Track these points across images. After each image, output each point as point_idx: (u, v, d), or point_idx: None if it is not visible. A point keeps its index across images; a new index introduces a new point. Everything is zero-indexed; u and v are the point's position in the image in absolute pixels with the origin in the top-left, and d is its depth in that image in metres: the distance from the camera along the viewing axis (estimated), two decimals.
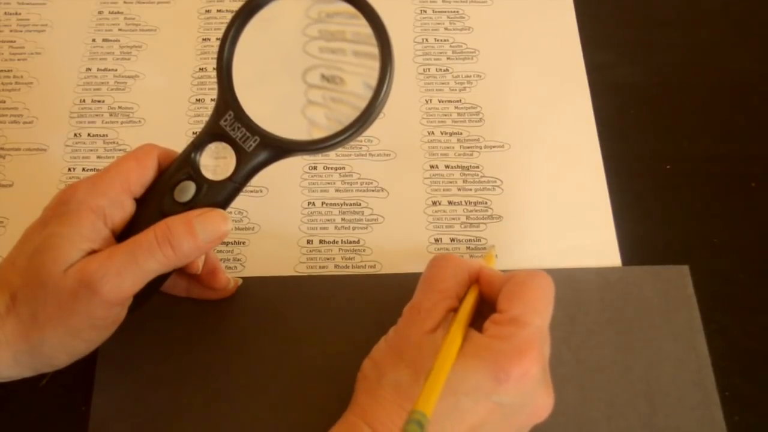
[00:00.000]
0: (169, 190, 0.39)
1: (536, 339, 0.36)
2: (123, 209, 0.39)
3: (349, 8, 0.40)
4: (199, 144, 0.39)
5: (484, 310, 0.39)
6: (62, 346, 0.37)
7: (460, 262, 0.41)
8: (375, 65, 0.39)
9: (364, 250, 0.49)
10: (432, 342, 0.37)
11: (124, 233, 0.39)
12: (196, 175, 0.39)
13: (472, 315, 0.39)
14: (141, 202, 0.39)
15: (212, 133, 0.39)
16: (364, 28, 0.39)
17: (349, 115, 0.39)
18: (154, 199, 0.39)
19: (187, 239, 0.37)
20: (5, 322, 0.37)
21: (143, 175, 0.39)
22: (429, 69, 0.57)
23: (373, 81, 0.39)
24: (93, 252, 0.37)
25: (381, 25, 0.39)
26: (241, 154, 0.39)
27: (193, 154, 0.39)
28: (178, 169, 0.39)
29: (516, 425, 0.37)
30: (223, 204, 0.40)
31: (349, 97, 0.41)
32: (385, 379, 0.37)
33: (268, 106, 0.41)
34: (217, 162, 0.39)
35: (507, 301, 0.38)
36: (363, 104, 0.39)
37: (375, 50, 0.39)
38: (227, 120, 0.39)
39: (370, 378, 0.38)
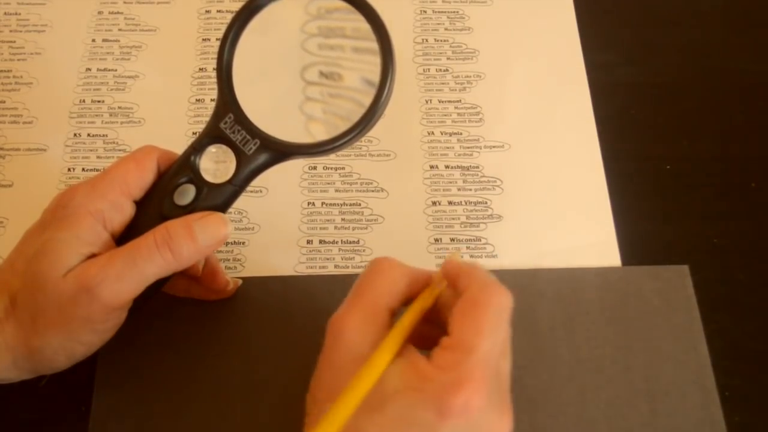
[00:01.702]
0: (169, 193, 0.39)
1: (479, 366, 0.33)
2: (122, 212, 0.38)
3: (348, 6, 0.40)
4: (198, 146, 0.39)
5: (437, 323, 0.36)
6: (62, 349, 0.37)
7: (398, 271, 0.36)
8: (374, 60, 0.39)
9: (364, 251, 0.49)
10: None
11: (123, 236, 0.39)
12: (195, 178, 0.39)
13: (408, 333, 0.35)
14: (140, 205, 0.39)
15: (212, 135, 0.39)
16: (364, 23, 0.39)
17: (348, 108, 0.39)
18: (154, 202, 0.39)
19: (186, 243, 0.37)
20: (5, 326, 0.37)
21: (142, 178, 0.39)
22: (429, 69, 0.57)
23: (372, 76, 0.39)
24: (92, 256, 0.37)
25: (381, 25, 0.39)
26: (241, 157, 0.39)
27: (192, 157, 0.39)
28: (178, 171, 0.39)
29: None
30: (223, 207, 0.39)
31: (347, 92, 0.41)
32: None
33: (267, 105, 0.41)
34: (217, 165, 0.39)
35: (457, 321, 0.34)
36: (361, 98, 0.39)
37: (375, 45, 0.39)
38: (227, 122, 0.39)
39: (312, 414, 0.35)
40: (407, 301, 0.37)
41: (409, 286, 0.37)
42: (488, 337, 0.34)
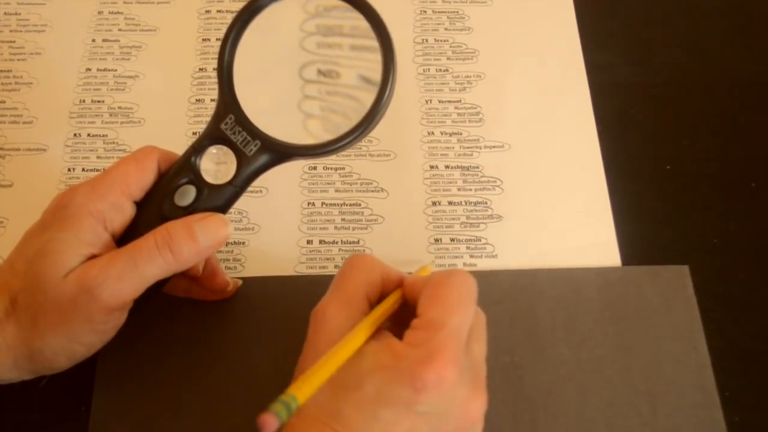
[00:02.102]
0: (170, 193, 0.39)
1: (450, 341, 0.34)
2: (123, 213, 0.39)
3: (347, 5, 0.40)
4: (199, 147, 0.39)
5: (412, 317, 0.37)
6: (62, 350, 0.37)
7: (373, 263, 0.39)
8: (372, 58, 0.39)
9: (364, 251, 0.49)
10: None
11: (124, 237, 0.39)
12: (196, 179, 0.39)
13: (385, 317, 0.37)
14: (141, 205, 0.39)
15: (213, 136, 0.39)
16: (362, 21, 0.39)
17: (345, 106, 0.39)
18: (154, 203, 0.39)
19: (187, 244, 0.37)
20: (5, 327, 0.37)
21: (143, 179, 0.39)
22: (429, 69, 0.57)
23: (369, 73, 0.39)
24: (93, 257, 0.37)
25: (381, 24, 0.39)
26: (241, 158, 0.39)
27: (193, 158, 0.39)
28: (179, 172, 0.39)
29: (447, 431, 0.35)
30: (224, 208, 0.39)
31: (345, 89, 0.41)
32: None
33: (266, 104, 0.41)
34: (218, 166, 0.39)
35: (423, 304, 0.36)
36: (358, 95, 0.39)
37: (372, 43, 0.39)
38: (228, 123, 0.39)
39: None
40: (382, 297, 0.39)
41: (384, 279, 0.39)
42: (455, 314, 0.35)
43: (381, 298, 0.39)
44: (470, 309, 0.37)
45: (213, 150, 0.39)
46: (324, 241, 0.49)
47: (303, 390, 0.32)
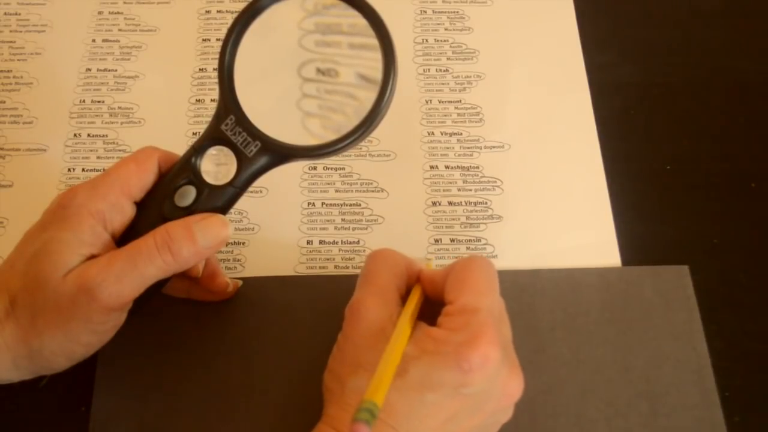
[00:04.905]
0: (170, 194, 0.39)
1: (489, 322, 0.36)
2: (123, 213, 0.39)
3: (347, 6, 0.40)
4: (199, 148, 0.39)
5: (433, 309, 0.39)
6: (62, 350, 0.37)
7: (396, 256, 0.40)
8: (370, 56, 0.39)
9: (364, 251, 0.49)
10: (383, 341, 0.36)
11: (123, 237, 0.39)
12: (196, 180, 0.39)
13: (419, 307, 0.39)
14: (141, 206, 0.39)
15: (213, 137, 0.39)
16: (361, 18, 0.39)
17: (344, 104, 0.39)
18: (155, 204, 0.39)
19: (186, 245, 0.37)
20: (4, 326, 0.37)
21: (143, 179, 0.39)
22: (429, 69, 0.57)
23: (367, 71, 0.39)
24: (92, 257, 0.37)
25: (381, 23, 0.39)
26: (241, 159, 0.39)
27: (193, 159, 0.39)
28: (179, 173, 0.39)
29: (488, 411, 0.37)
30: (224, 209, 0.39)
31: (344, 87, 0.41)
32: (347, 387, 0.36)
33: (265, 104, 0.41)
34: (218, 167, 0.39)
35: (453, 291, 0.38)
36: (357, 93, 0.39)
37: (371, 41, 0.39)
38: (228, 124, 0.39)
39: (334, 389, 0.38)
40: (408, 287, 0.40)
41: (408, 270, 0.40)
42: (486, 296, 0.37)
43: (408, 287, 0.40)
44: (497, 291, 0.38)
45: (213, 151, 0.39)
46: (324, 241, 0.49)
47: (378, 394, 0.32)
